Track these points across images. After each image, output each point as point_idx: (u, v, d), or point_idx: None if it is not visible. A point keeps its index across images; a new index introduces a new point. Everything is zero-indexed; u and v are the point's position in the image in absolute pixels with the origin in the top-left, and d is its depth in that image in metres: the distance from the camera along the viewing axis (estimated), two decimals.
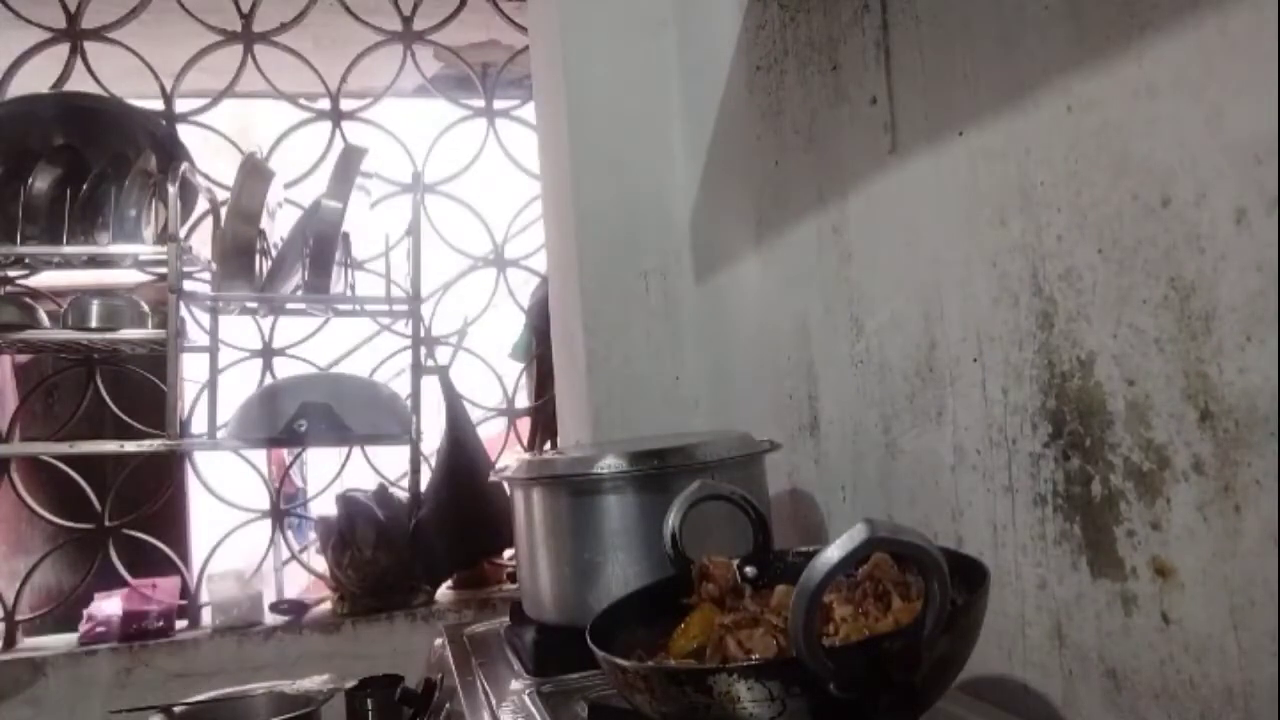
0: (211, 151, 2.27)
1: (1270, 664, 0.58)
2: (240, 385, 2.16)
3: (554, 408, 1.86)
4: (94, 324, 1.93)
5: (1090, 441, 0.71)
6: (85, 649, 1.92)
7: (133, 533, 2.11)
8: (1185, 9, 0.60)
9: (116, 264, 2.04)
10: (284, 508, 2.26)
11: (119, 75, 2.14)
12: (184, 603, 2.08)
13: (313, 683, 1.61)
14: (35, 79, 2.10)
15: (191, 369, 2.14)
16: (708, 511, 0.84)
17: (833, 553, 0.52)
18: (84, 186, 1.93)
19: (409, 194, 2.21)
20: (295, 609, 2.08)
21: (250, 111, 2.45)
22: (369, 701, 1.59)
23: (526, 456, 1.15)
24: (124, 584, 2.06)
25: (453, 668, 1.13)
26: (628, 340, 1.53)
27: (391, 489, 2.19)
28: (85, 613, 2.00)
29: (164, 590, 2.04)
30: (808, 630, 0.52)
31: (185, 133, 2.18)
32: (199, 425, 2.09)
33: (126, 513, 2.11)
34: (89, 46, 2.13)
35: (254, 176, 2.00)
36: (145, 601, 2.00)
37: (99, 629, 1.96)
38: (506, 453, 2.38)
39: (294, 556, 2.22)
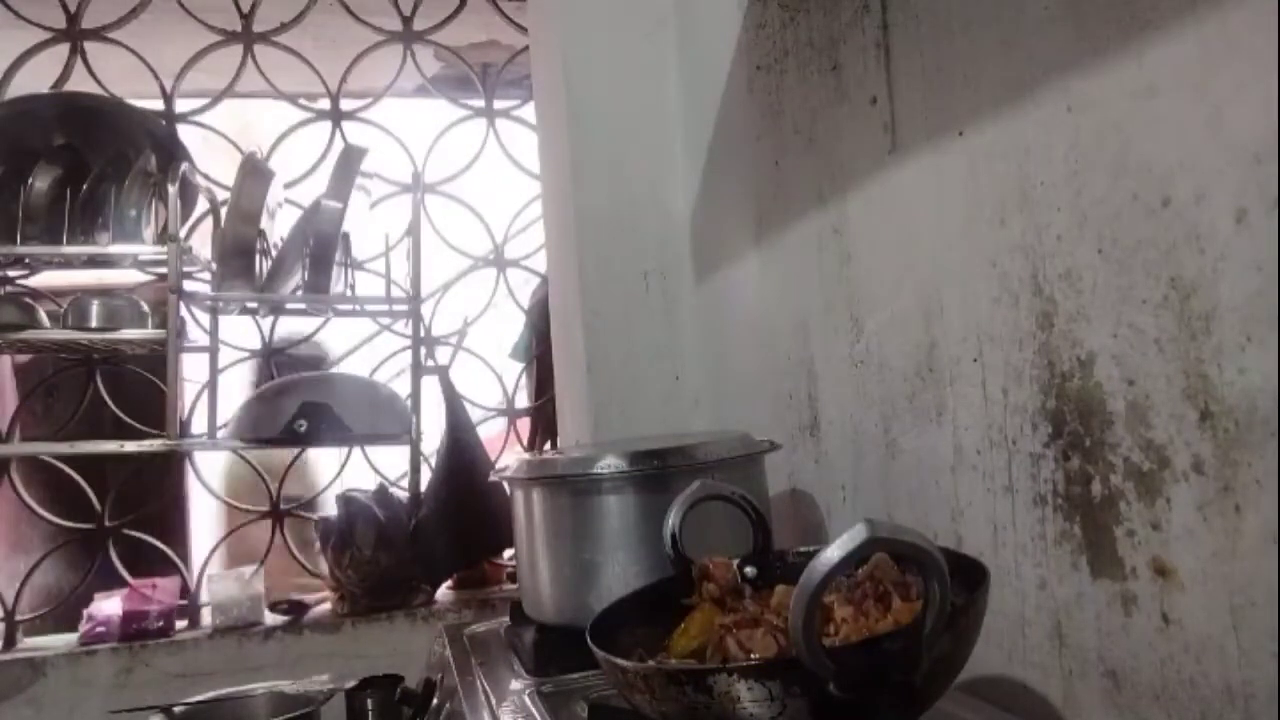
0: (211, 151, 2.26)
1: (1270, 664, 0.58)
2: (240, 385, 2.16)
3: (554, 408, 1.86)
4: (94, 324, 1.93)
5: (1090, 441, 0.71)
6: (85, 649, 1.92)
7: (133, 533, 2.11)
8: (1185, 9, 0.60)
9: (116, 264, 2.03)
10: (284, 508, 2.26)
11: (119, 75, 2.14)
12: (184, 603, 2.08)
13: (313, 683, 1.61)
14: (35, 79, 2.10)
15: (191, 369, 2.14)
16: (708, 511, 0.84)
17: (833, 553, 0.52)
18: (84, 186, 1.93)
19: (409, 194, 2.21)
20: (295, 609, 2.08)
21: (250, 111, 2.45)
22: (369, 701, 1.59)
23: (526, 456, 1.15)
24: (124, 584, 2.06)
25: (453, 668, 1.13)
26: (628, 340, 1.53)
27: (391, 489, 2.19)
28: (85, 613, 2.00)
29: (164, 590, 2.04)
30: (808, 630, 0.52)
31: (185, 133, 2.18)
32: (199, 425, 2.09)
33: (126, 513, 2.11)
34: (89, 46, 2.13)
35: (254, 176, 2.00)
36: (145, 601, 1.99)
37: (99, 629, 1.95)
38: (506, 453, 2.38)
39: (294, 556, 2.22)
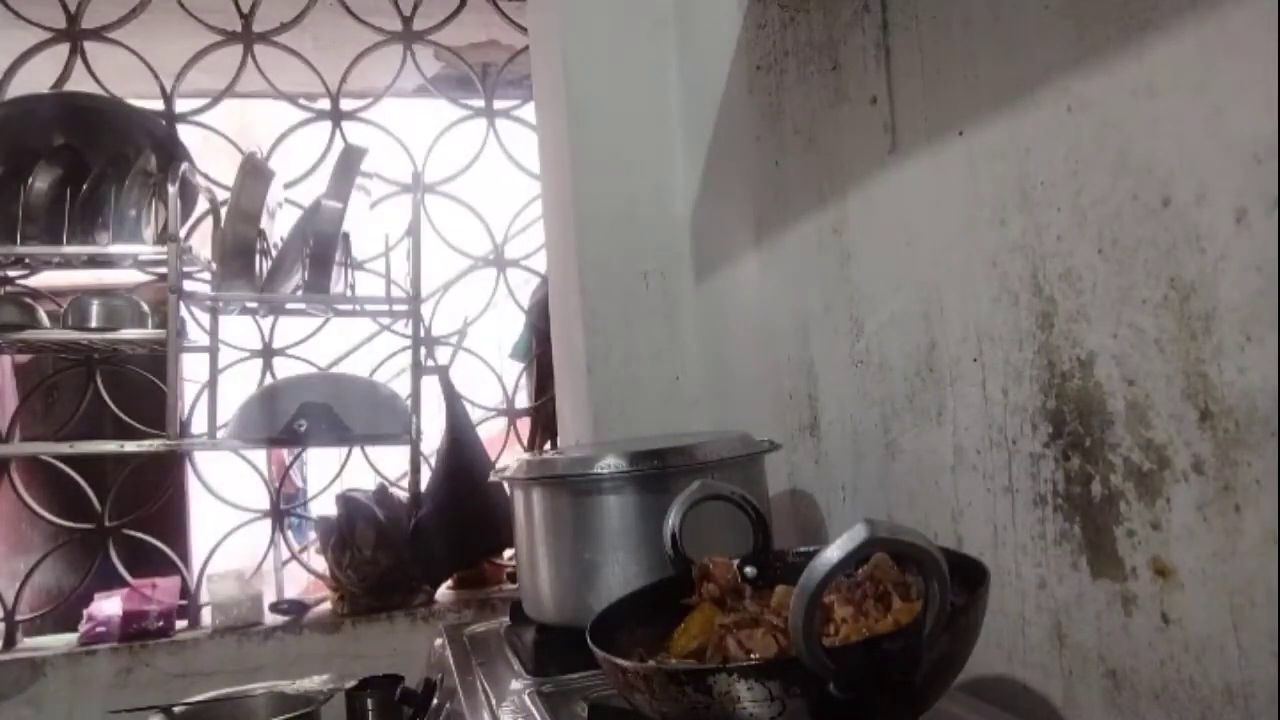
0: (211, 151, 2.26)
1: (1270, 664, 0.58)
2: (240, 385, 2.16)
3: (554, 408, 1.86)
4: (94, 324, 1.93)
5: (1090, 441, 0.71)
6: (85, 649, 1.92)
7: (133, 533, 2.11)
8: (1185, 9, 0.60)
9: (116, 264, 2.03)
10: (284, 508, 2.26)
11: (119, 75, 2.14)
12: (184, 603, 2.08)
13: (313, 683, 1.61)
14: (35, 79, 2.10)
15: (191, 369, 2.14)
16: (708, 511, 0.84)
17: (833, 553, 0.52)
18: (84, 186, 1.93)
19: (409, 194, 2.21)
20: (295, 609, 2.08)
21: (250, 111, 2.45)
22: (369, 701, 1.59)
23: (526, 456, 1.15)
24: (124, 584, 2.06)
25: (453, 668, 1.13)
26: (628, 340, 1.53)
27: (391, 489, 2.19)
28: (85, 613, 2.00)
29: (164, 590, 2.04)
30: (808, 630, 0.52)
31: (185, 133, 2.18)
32: (199, 425, 2.09)
33: (126, 513, 2.11)
34: (89, 46, 2.13)
35: (254, 176, 2.00)
36: (145, 601, 2.00)
37: (99, 629, 1.96)
38: (506, 453, 2.38)
39: (294, 556, 2.22)
